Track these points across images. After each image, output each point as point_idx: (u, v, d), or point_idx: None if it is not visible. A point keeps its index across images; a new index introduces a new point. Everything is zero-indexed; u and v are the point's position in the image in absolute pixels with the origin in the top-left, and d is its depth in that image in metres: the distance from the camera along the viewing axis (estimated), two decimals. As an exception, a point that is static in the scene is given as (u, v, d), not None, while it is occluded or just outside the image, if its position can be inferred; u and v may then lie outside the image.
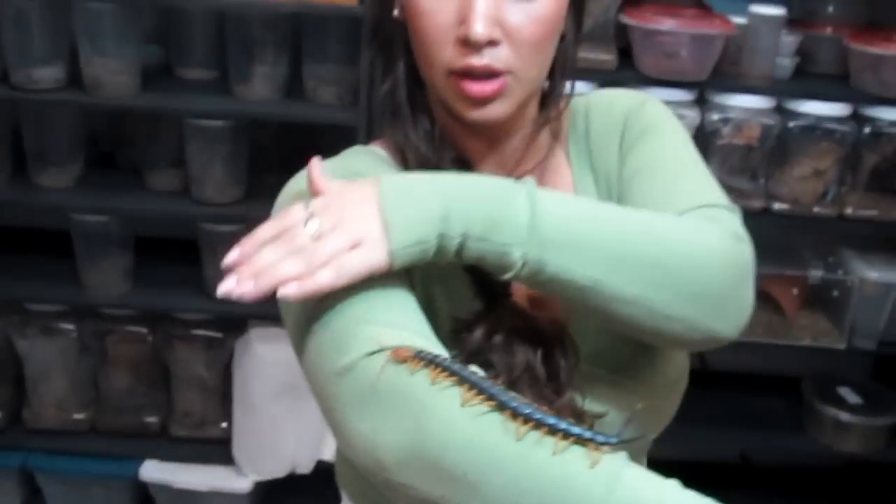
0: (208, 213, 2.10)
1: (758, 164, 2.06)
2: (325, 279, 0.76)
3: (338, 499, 1.16)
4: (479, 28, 0.85)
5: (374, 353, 0.76)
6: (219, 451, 2.27)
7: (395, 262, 0.78)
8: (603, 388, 0.95)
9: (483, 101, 0.90)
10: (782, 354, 2.25)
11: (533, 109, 0.98)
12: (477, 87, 0.89)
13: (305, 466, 2.23)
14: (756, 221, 2.04)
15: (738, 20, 1.98)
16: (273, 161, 2.19)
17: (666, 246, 0.83)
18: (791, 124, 2.03)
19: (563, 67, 0.97)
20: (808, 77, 2.09)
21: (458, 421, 0.71)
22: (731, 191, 2.02)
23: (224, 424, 2.29)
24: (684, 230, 0.85)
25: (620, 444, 0.70)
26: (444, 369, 0.73)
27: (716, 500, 0.69)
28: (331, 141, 1.96)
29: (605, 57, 1.95)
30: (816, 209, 2.08)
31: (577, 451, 0.70)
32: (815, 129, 2.04)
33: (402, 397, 0.73)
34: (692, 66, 1.96)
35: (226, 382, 2.26)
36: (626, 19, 1.95)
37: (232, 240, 2.12)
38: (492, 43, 0.87)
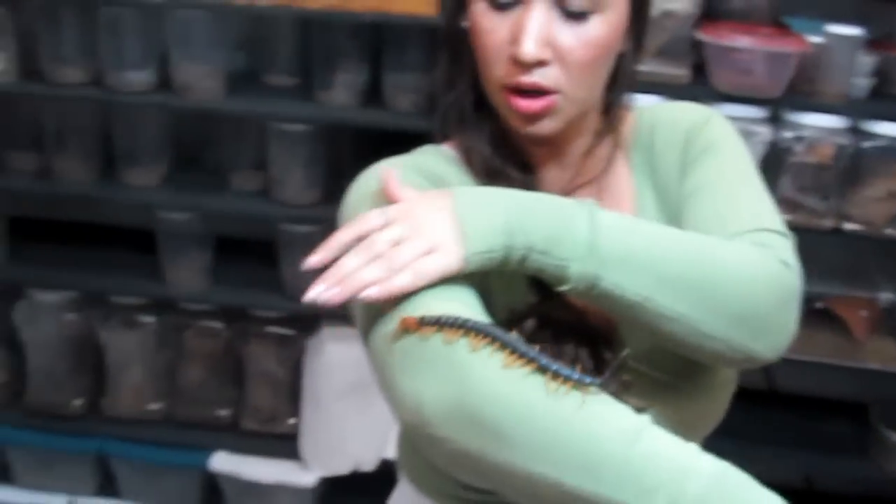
0: (287, 214, 2.17)
1: (830, 184, 2.05)
2: (404, 282, 0.82)
3: (399, 495, 1.22)
4: (529, 48, 0.90)
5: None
6: (286, 445, 2.33)
7: (467, 268, 0.84)
8: (649, 385, 0.98)
9: (532, 116, 0.95)
10: (850, 378, 2.22)
11: (593, 121, 1.02)
12: (525, 104, 0.94)
13: (369, 464, 2.28)
14: (826, 241, 2.07)
15: (816, 39, 1.98)
16: (350, 165, 2.24)
17: (713, 269, 0.87)
18: (865, 145, 2.02)
19: (621, 83, 1.00)
20: (885, 98, 2.08)
21: (496, 378, 0.76)
22: (802, 210, 2.04)
23: (292, 420, 2.34)
24: (733, 254, 0.89)
25: (605, 385, 0.76)
26: (456, 326, 0.78)
27: None
28: (406, 147, 2.02)
29: (679, 72, 1.97)
30: (889, 231, 2.06)
31: (604, 408, 0.74)
32: (890, 151, 2.03)
33: (447, 358, 0.78)
34: (766, 84, 1.97)
35: (296, 379, 2.32)
36: (702, 36, 1.97)
37: (309, 240, 2.20)
38: (541, 63, 0.91)
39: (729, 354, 0.88)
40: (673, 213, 1.02)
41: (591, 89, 0.97)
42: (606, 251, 0.84)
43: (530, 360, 0.75)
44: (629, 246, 0.85)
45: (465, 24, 0.98)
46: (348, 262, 0.83)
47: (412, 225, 0.84)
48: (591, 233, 0.84)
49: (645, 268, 0.85)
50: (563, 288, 0.85)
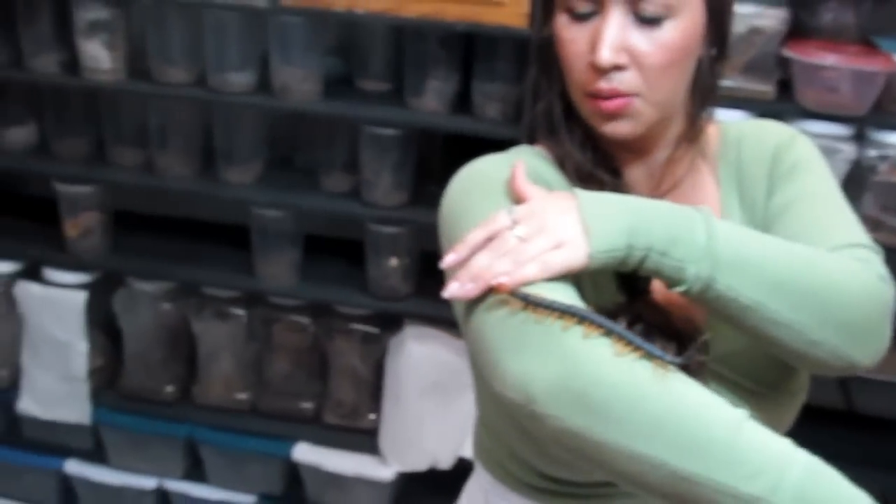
0: (375, 215, 2.23)
1: (914, 203, 2.05)
2: (531, 272, 0.87)
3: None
4: (605, 54, 0.96)
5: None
6: (366, 440, 2.39)
7: (592, 264, 0.89)
8: (728, 388, 1.02)
9: (611, 116, 1.00)
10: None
11: (676, 128, 1.06)
12: (604, 104, 0.99)
13: (445, 462, 2.32)
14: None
15: (904, 59, 1.99)
16: (436, 171, 2.31)
17: (823, 278, 0.91)
18: (951, 165, 2.02)
19: (699, 87, 1.04)
20: (972, 119, 2.07)
21: (607, 361, 0.81)
22: (885, 229, 2.04)
23: (373, 416, 2.40)
24: (838, 265, 0.94)
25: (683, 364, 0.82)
26: (570, 314, 0.84)
27: None
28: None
29: (765, 88, 1.99)
30: (973, 252, 2.05)
31: (710, 397, 0.79)
32: (977, 171, 2.02)
33: (560, 340, 0.83)
34: (852, 102, 1.98)
35: (378, 376, 2.38)
36: (789, 53, 1.99)
37: (396, 241, 2.26)
38: (618, 68, 0.97)
39: (831, 362, 0.93)
40: (760, 229, 1.05)
41: (670, 92, 1.01)
42: (723, 254, 0.89)
43: (638, 348, 0.81)
44: (744, 251, 0.90)
45: (550, 36, 1.04)
46: (480, 260, 0.90)
47: (539, 224, 0.89)
48: (708, 236, 0.89)
49: (758, 273, 0.89)
50: (680, 289, 0.90)
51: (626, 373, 0.80)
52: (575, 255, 0.88)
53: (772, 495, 0.74)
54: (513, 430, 1.07)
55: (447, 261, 0.92)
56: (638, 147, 1.06)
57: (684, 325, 1.00)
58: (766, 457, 0.76)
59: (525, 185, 0.96)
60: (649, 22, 0.96)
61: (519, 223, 0.90)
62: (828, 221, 1.02)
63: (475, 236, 0.91)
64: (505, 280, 0.87)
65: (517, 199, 0.96)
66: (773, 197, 1.07)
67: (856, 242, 0.99)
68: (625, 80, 0.98)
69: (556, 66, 1.05)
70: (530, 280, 0.87)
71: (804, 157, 1.09)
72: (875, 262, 0.98)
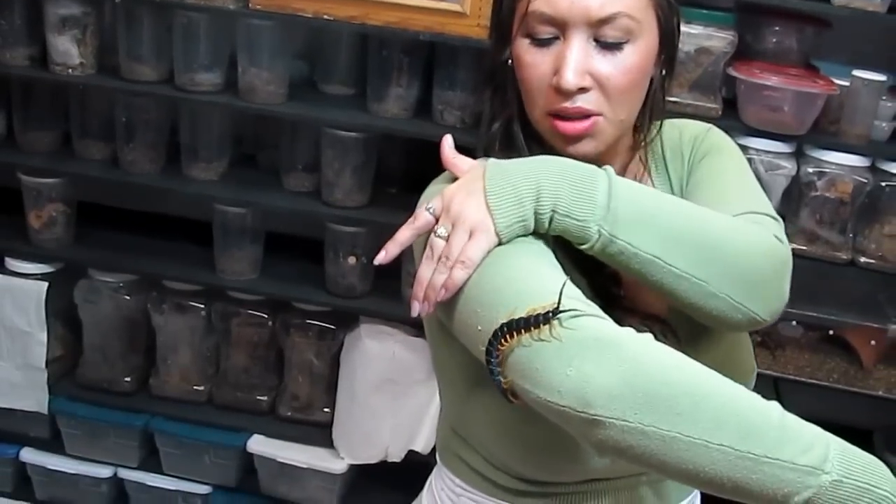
0: (335, 215, 2.29)
1: (848, 219, 2.15)
2: (460, 277, 0.95)
3: (421, 487, 1.31)
4: (570, 78, 1.02)
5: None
6: (320, 433, 2.45)
7: (504, 239, 0.96)
8: None
9: (575, 138, 1.06)
10: (857, 404, 2.31)
11: (627, 141, 1.14)
12: (569, 126, 1.06)
13: (397, 455, 2.38)
14: (841, 273, 2.17)
15: (842, 82, 2.10)
16: (396, 174, 2.39)
17: (716, 234, 1.00)
18: (883, 183, 2.13)
19: (651, 107, 1.12)
20: (905, 141, 2.19)
21: (666, 359, 0.87)
22: (820, 241, 2.15)
23: (327, 410, 2.46)
24: (733, 224, 1.02)
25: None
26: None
27: None
28: (451, 159, 2.14)
29: (711, 105, 2.09)
30: (901, 266, 2.16)
31: (756, 396, 0.87)
32: (907, 191, 2.13)
33: (611, 343, 0.87)
34: (793, 121, 2.09)
35: (333, 371, 2.44)
36: (734, 72, 2.09)
37: (354, 241, 2.31)
38: (582, 90, 1.03)
39: (731, 314, 1.00)
40: None
41: (630, 111, 1.09)
42: (622, 213, 0.96)
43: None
44: (642, 209, 0.97)
45: (507, 59, 1.09)
46: (423, 274, 0.98)
47: (453, 215, 0.97)
48: (608, 196, 0.96)
49: (656, 229, 0.97)
50: (585, 247, 0.97)
51: (687, 372, 0.86)
52: (487, 238, 0.95)
53: (823, 463, 0.82)
54: (499, 436, 1.10)
55: (378, 259, 1.01)
56: (593, 161, 1.10)
57: (654, 321, 1.08)
58: (811, 434, 0.84)
59: (454, 159, 1.04)
60: (611, 47, 1.03)
61: (440, 219, 0.98)
62: (731, 194, 1.10)
63: (403, 235, 1.01)
64: (443, 294, 0.95)
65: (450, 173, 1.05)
66: (691, 178, 1.16)
67: (755, 210, 1.06)
68: (589, 100, 1.04)
69: (511, 87, 1.10)
70: (461, 283, 0.95)
71: (716, 144, 1.18)
72: (771, 225, 1.05)
